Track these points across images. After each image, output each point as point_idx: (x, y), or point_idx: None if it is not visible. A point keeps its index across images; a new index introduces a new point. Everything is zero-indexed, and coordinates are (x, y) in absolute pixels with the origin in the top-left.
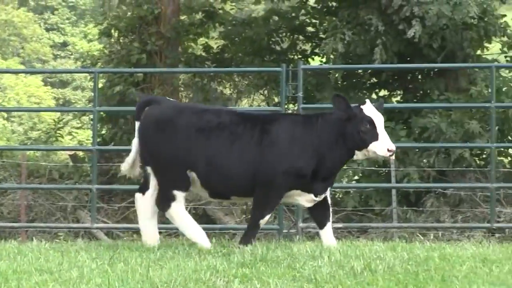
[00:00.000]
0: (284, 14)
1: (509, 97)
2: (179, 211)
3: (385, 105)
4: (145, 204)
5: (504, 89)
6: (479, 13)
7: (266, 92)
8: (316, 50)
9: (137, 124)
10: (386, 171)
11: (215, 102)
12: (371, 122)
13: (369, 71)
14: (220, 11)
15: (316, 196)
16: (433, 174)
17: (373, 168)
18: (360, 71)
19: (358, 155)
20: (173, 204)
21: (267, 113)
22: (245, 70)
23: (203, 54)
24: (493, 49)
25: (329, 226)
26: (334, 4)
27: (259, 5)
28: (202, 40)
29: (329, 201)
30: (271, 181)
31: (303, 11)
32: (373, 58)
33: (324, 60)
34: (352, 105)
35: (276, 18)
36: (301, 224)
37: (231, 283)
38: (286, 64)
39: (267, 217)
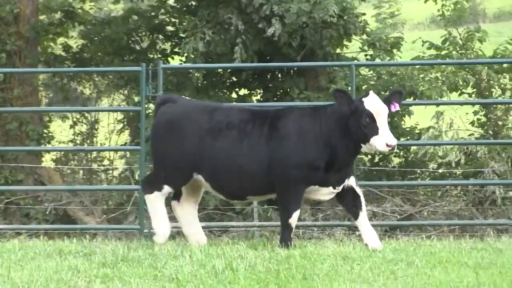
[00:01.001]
0: (143, 13)
1: None
2: (157, 201)
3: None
4: (183, 210)
5: (364, 87)
6: (339, 11)
7: (126, 91)
8: (176, 50)
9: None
10: None
11: (75, 102)
12: (370, 116)
13: (229, 70)
14: (79, 11)
15: (334, 188)
16: None
17: None
18: (220, 70)
19: (364, 148)
20: (156, 193)
21: (276, 108)
22: (105, 70)
23: (63, 54)
24: (353, 47)
25: (363, 216)
26: (193, 3)
27: (118, 4)
28: (61, 40)
29: (359, 190)
30: (286, 177)
31: (162, 10)
32: (233, 57)
33: (184, 59)
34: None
35: (135, 17)
36: None
37: (93, 283)
38: (146, 64)
39: (295, 215)
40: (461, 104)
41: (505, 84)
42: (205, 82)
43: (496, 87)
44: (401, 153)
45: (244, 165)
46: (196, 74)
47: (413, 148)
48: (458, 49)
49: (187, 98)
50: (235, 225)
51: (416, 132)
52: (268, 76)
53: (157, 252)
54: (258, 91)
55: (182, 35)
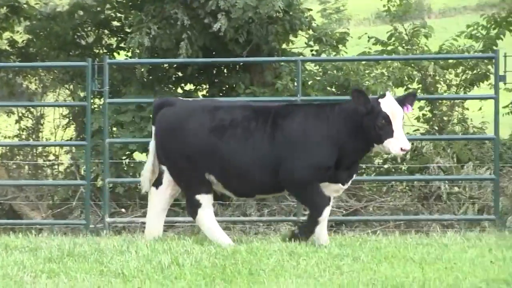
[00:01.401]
0: (89, 8)
1: (315, 90)
2: (204, 219)
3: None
4: (158, 198)
5: (309, 82)
6: (285, 7)
7: (72, 87)
8: (122, 45)
9: (153, 128)
10: None
11: (20, 97)
12: (386, 118)
13: (175, 65)
14: (25, 6)
15: (343, 184)
16: None
17: None
18: (166, 65)
19: (376, 148)
20: (200, 211)
21: (281, 105)
22: (51, 65)
23: (8, 48)
24: (299, 42)
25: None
26: None
27: None
28: (7, 35)
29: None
30: (298, 179)
31: (108, 5)
32: (179, 52)
33: (130, 54)
34: (372, 97)
35: (81, 12)
36: (108, 219)
37: (39, 278)
38: (92, 59)
39: (325, 212)
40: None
41: (450, 79)
42: (150, 77)
43: (442, 82)
44: None
45: (250, 164)
46: (141, 69)
47: None
48: (404, 44)
49: (184, 99)
50: (181, 220)
51: None
52: (214, 72)
53: (103, 248)
54: (204, 86)
55: (127, 30)
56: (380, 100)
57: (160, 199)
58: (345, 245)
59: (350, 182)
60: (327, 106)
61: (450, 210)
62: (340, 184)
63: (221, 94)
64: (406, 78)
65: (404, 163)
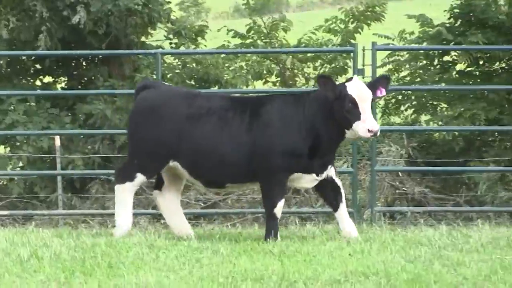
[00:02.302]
0: None
1: (174, 83)
2: (126, 192)
3: (50, 92)
4: (165, 199)
5: (169, 75)
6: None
7: None
8: None
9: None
10: (51, 158)
11: None
12: (353, 101)
13: (33, 57)
14: None
15: (317, 175)
16: (98, 161)
17: (38, 155)
18: (24, 57)
19: (348, 134)
20: (128, 184)
21: (257, 96)
22: None
23: None
24: (158, 35)
25: (342, 207)
26: None
27: None
28: None
29: (339, 182)
30: (269, 165)
31: None
32: (37, 44)
33: None
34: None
35: None
36: None
37: None
38: None
39: (279, 205)
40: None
41: (309, 73)
42: (8, 69)
43: (300, 76)
44: None
45: (225, 153)
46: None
47: None
48: (262, 38)
49: (167, 84)
50: (40, 213)
51: None
52: (73, 64)
53: None
54: (63, 78)
55: None
56: (346, 84)
57: (167, 200)
58: (205, 238)
59: (324, 173)
60: (303, 95)
61: (308, 203)
62: (314, 175)
63: (79, 86)
64: (265, 72)
65: None
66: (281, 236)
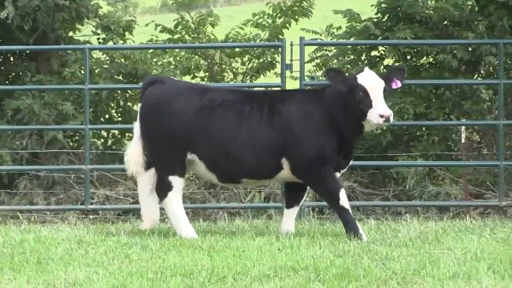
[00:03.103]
0: None
1: (102, 78)
2: (172, 203)
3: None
4: (149, 180)
5: (97, 70)
6: None
7: None
8: None
9: (139, 106)
10: None
11: None
12: (363, 90)
13: None
14: None
15: (339, 172)
16: (26, 157)
17: None
18: None
19: (366, 126)
20: (169, 194)
21: (276, 90)
22: None
23: None
24: (85, 30)
25: (295, 209)
26: None
27: None
28: None
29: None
30: (311, 163)
31: None
32: None
33: None
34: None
35: None
36: None
37: None
38: None
39: (342, 195)
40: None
41: (237, 68)
42: None
43: (228, 71)
44: None
45: (246, 147)
46: None
47: None
48: (190, 33)
49: (175, 78)
50: None
51: None
52: (0, 59)
53: None
54: None
55: None
56: (357, 75)
57: (149, 183)
58: (134, 233)
59: (344, 170)
60: (320, 90)
61: (237, 198)
62: (337, 173)
63: (7, 82)
64: (193, 67)
65: None
66: (210, 231)
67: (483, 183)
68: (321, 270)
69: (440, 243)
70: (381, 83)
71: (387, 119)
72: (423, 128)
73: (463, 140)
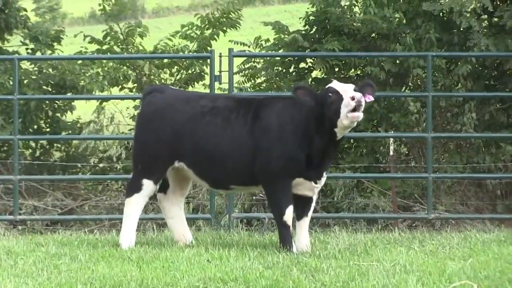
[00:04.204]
0: None
1: (31, 89)
2: (133, 206)
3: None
4: (168, 202)
5: (25, 81)
6: (1, 5)
7: None
8: None
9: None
10: None
11: None
12: (333, 91)
13: None
14: None
15: (316, 183)
16: None
17: None
18: None
19: (339, 131)
20: (136, 196)
21: (261, 97)
22: None
23: None
24: (14, 41)
25: (306, 220)
26: None
27: None
28: None
29: (315, 196)
30: (271, 170)
31: None
32: None
33: None
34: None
35: None
36: None
37: None
38: None
39: (288, 211)
40: (123, 99)
41: (165, 79)
42: None
43: (157, 82)
44: (62, 148)
45: (228, 154)
46: None
47: (74, 142)
48: (119, 44)
49: (174, 88)
50: None
51: (77, 126)
52: None
53: None
54: None
55: None
56: (327, 86)
57: (171, 203)
58: (63, 244)
59: (322, 182)
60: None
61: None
62: (312, 182)
63: None
64: (122, 78)
65: (120, 162)
66: (139, 242)
67: (411, 195)
68: (251, 282)
69: (369, 255)
70: (351, 86)
71: (359, 101)
72: (351, 140)
73: (391, 153)
